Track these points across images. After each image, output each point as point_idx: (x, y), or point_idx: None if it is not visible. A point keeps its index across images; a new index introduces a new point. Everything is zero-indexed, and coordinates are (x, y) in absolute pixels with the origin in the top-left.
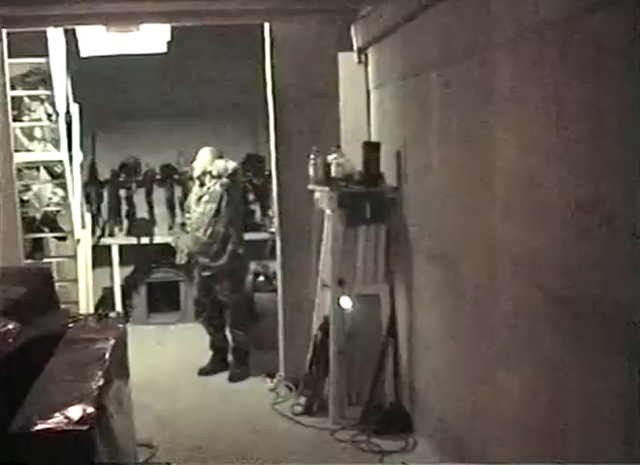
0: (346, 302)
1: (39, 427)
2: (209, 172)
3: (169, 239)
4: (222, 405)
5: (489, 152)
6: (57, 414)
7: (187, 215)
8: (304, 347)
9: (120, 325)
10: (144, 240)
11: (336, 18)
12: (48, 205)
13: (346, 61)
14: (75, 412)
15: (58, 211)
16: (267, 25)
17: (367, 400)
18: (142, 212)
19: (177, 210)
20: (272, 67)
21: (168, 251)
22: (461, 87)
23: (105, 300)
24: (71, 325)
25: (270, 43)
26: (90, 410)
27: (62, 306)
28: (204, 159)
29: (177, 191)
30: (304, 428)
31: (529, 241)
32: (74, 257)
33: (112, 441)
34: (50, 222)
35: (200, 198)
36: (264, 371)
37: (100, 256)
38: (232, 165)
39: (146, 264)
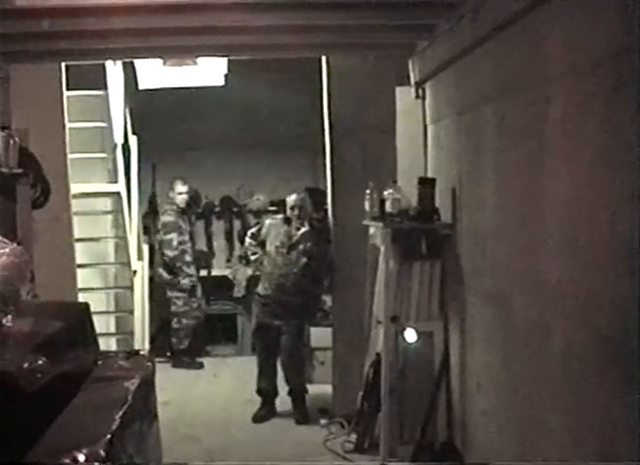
0: (411, 336)
1: None
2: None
3: (227, 272)
4: (274, 440)
5: (541, 189)
6: (65, 456)
7: (254, 251)
8: (357, 383)
9: (149, 364)
10: (203, 273)
11: (394, 52)
12: None
13: (404, 95)
14: (83, 455)
15: None
16: (324, 58)
17: (418, 439)
18: (200, 244)
19: (236, 243)
20: (330, 100)
21: (225, 283)
22: (514, 123)
23: (162, 332)
24: (100, 362)
25: (327, 76)
26: (98, 453)
27: (118, 337)
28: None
29: (236, 224)
30: None
31: (581, 280)
32: (130, 288)
33: None
34: None
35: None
36: (317, 407)
37: (158, 287)
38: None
39: (204, 297)
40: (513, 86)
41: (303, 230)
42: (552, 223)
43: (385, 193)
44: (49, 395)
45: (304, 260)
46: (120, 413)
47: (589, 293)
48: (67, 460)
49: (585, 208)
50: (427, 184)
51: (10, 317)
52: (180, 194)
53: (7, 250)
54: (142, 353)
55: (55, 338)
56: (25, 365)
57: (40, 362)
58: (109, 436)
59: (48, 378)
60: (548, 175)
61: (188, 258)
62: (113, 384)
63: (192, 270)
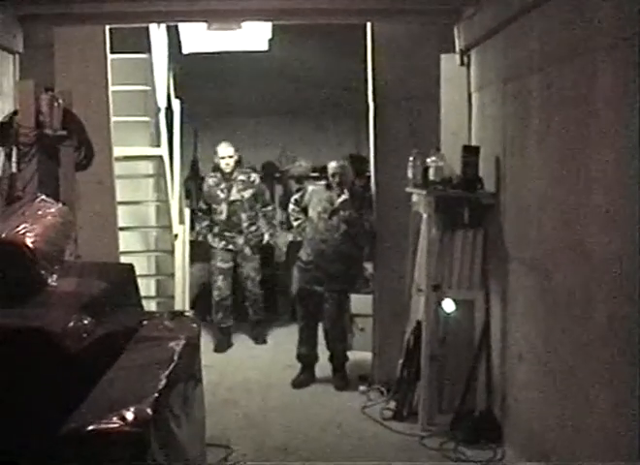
0: (449, 306)
1: (92, 427)
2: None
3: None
4: (312, 406)
5: (587, 159)
6: (113, 414)
7: (297, 216)
8: (397, 350)
9: (194, 325)
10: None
11: (439, 19)
12: None
13: (448, 63)
14: (130, 413)
15: None
16: (369, 25)
17: (457, 408)
18: None
19: (277, 208)
20: (374, 67)
21: (266, 248)
22: (561, 92)
23: (201, 296)
24: (145, 322)
25: (372, 42)
26: (146, 412)
27: (159, 300)
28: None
29: (278, 189)
30: (393, 433)
31: (625, 252)
32: (171, 252)
33: (172, 442)
34: None
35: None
36: (356, 374)
37: (199, 251)
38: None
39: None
40: (561, 55)
41: (342, 197)
42: (598, 194)
43: (428, 160)
44: (95, 355)
45: (343, 227)
46: (166, 372)
47: (633, 266)
48: (115, 418)
49: (631, 181)
50: (471, 152)
51: (55, 276)
52: (223, 158)
53: (52, 210)
54: (186, 314)
55: (100, 298)
56: (71, 325)
57: (85, 322)
58: (155, 395)
59: (93, 337)
60: (594, 146)
61: (215, 229)
62: (159, 344)
63: (216, 242)
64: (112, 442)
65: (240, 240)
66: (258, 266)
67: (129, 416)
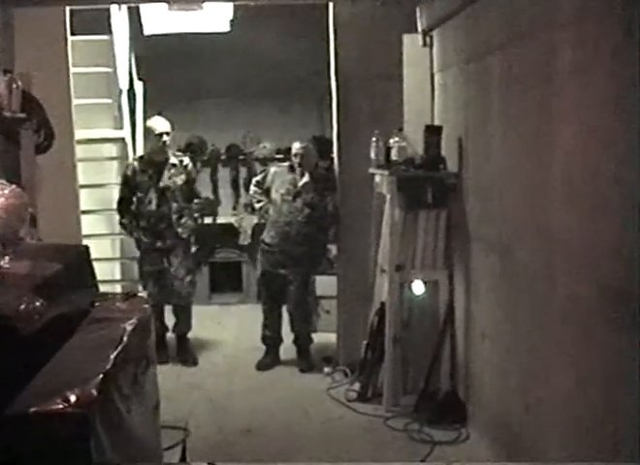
0: (419, 287)
1: (34, 409)
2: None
3: (232, 220)
4: (277, 387)
5: (549, 139)
6: (56, 396)
7: (259, 198)
8: (361, 332)
9: (146, 306)
10: (208, 220)
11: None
12: None
13: (411, 43)
14: (74, 395)
15: None
16: (331, 5)
17: (421, 389)
18: (206, 192)
19: (242, 191)
20: (336, 48)
21: (231, 231)
22: (522, 71)
23: None
24: (98, 304)
25: (333, 23)
26: (90, 393)
27: (123, 284)
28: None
29: (242, 171)
30: (357, 414)
31: (586, 233)
32: None
33: (120, 423)
34: None
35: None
36: (321, 355)
37: None
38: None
39: (209, 244)
40: (521, 34)
41: (304, 180)
42: (557, 173)
43: (391, 141)
44: (46, 336)
45: (307, 209)
46: (115, 353)
47: (593, 244)
48: (58, 400)
49: (591, 159)
50: (433, 132)
51: (7, 258)
52: (168, 134)
53: (6, 192)
54: (139, 295)
55: (53, 280)
56: (22, 307)
57: (37, 304)
58: (101, 376)
59: (45, 319)
60: (555, 125)
61: (142, 222)
62: (110, 325)
63: (145, 238)
64: (56, 423)
65: (170, 235)
66: (189, 264)
67: (72, 397)
